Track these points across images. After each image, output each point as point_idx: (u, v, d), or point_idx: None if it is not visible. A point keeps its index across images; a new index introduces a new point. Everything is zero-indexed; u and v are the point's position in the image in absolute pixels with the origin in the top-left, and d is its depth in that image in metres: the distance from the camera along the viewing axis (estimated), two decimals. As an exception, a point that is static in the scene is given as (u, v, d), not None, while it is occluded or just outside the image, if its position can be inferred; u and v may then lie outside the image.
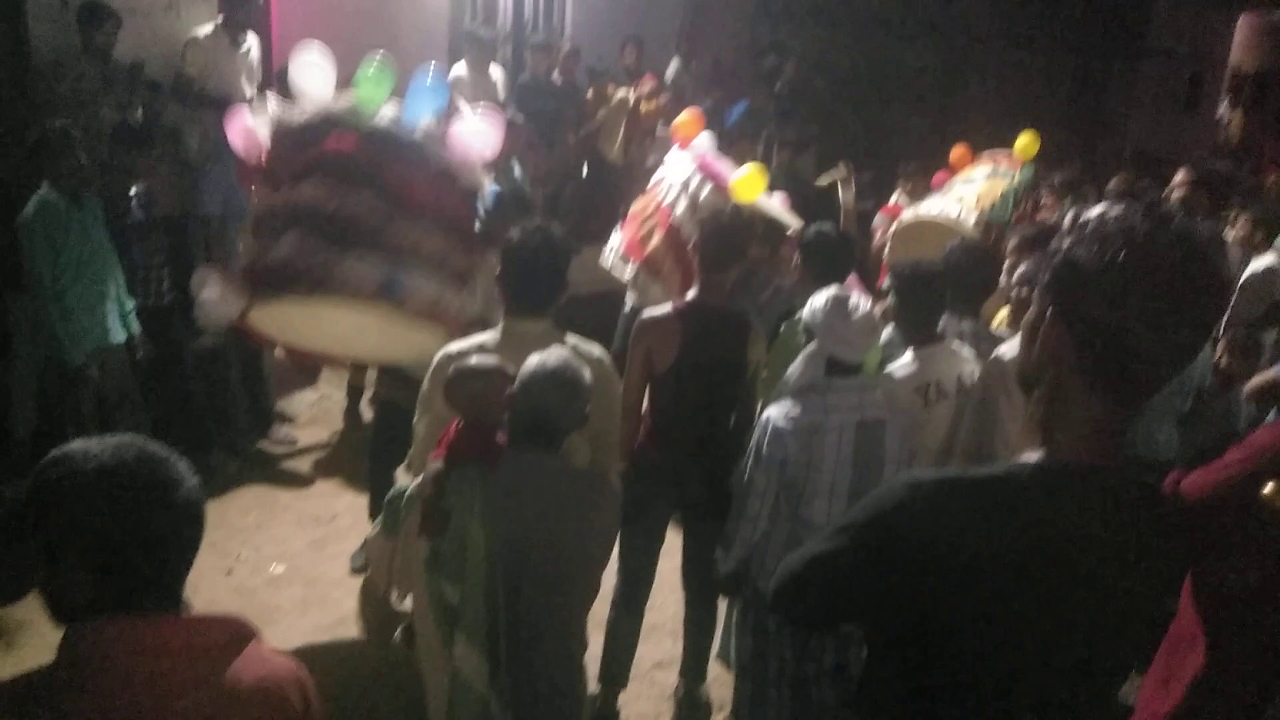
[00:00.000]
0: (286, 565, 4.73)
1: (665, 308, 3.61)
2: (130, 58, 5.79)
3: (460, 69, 7.54)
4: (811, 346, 3.17)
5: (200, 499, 1.56)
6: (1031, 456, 1.39)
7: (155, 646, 1.47)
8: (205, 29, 6.18)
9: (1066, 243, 1.33)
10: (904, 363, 3.48)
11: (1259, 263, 5.27)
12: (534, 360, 2.50)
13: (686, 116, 5.32)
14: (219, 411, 5.85)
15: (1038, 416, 1.40)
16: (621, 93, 7.21)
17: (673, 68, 9.42)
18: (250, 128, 3.71)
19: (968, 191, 5.86)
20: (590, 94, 8.04)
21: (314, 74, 3.81)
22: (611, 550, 2.68)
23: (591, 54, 8.61)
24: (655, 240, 4.91)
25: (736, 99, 8.62)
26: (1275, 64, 20.44)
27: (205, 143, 6.24)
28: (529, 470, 2.51)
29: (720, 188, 4.90)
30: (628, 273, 4.80)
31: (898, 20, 11.86)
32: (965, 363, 3.52)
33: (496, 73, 7.79)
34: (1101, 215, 1.31)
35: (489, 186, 4.22)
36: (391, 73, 3.85)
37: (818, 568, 1.50)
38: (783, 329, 3.91)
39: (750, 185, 4.98)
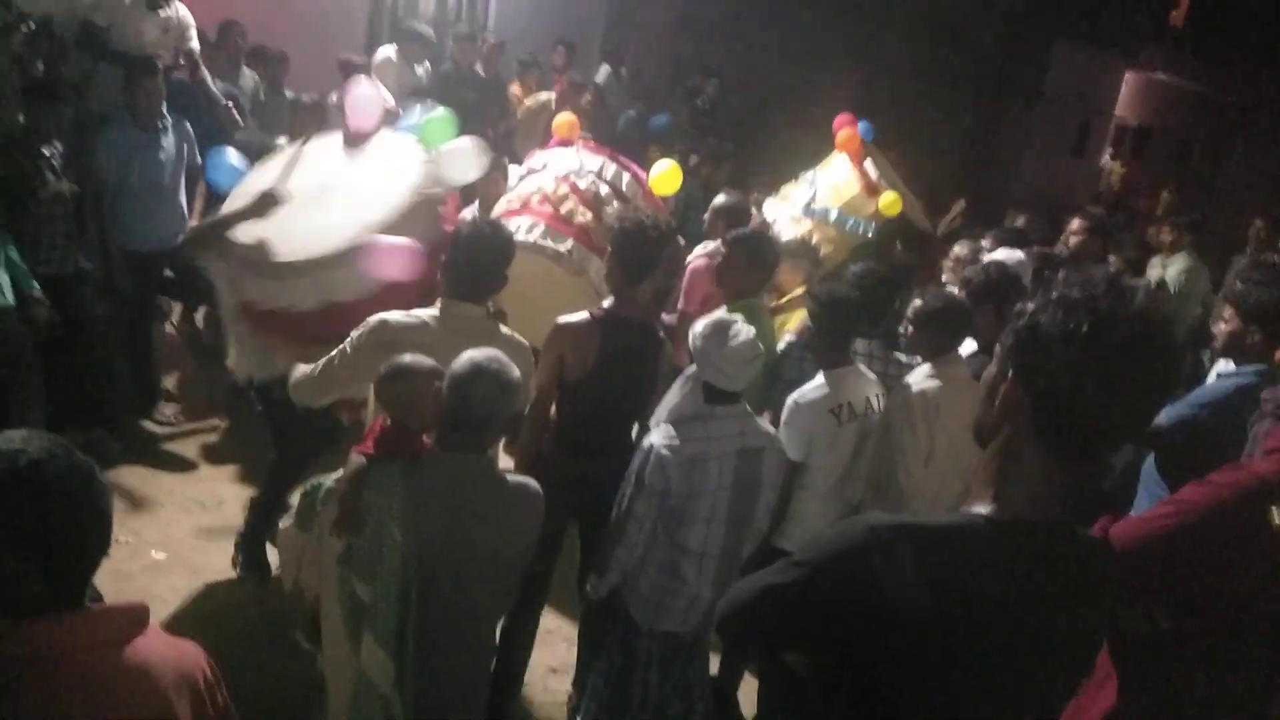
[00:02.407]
0: (168, 552, 4.53)
1: (582, 314, 3.55)
2: (34, 6, 5.46)
3: (389, 52, 7.38)
4: (690, 372, 3.19)
5: (108, 489, 1.53)
6: (983, 508, 1.45)
7: (80, 643, 1.43)
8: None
9: (1031, 308, 1.39)
10: (816, 384, 3.56)
11: None
12: (464, 358, 2.46)
13: (565, 118, 5.38)
14: (102, 387, 5.57)
15: (991, 470, 1.46)
16: (544, 96, 7.20)
17: (602, 74, 9.42)
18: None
19: (817, 230, 5.88)
20: (517, 85, 8.00)
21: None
22: (529, 558, 2.66)
23: (516, 50, 8.55)
24: (583, 219, 4.76)
25: (657, 111, 8.71)
26: (1155, 120, 21.75)
27: (104, 99, 5.93)
28: (455, 472, 2.47)
29: (638, 179, 5.03)
30: (563, 247, 4.59)
31: (815, 45, 12.15)
32: (871, 384, 3.64)
33: (421, 68, 7.65)
34: (1066, 284, 1.37)
35: None
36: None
37: (770, 598, 1.53)
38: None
39: (669, 179, 5.17)
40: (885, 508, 3.34)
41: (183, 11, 6.21)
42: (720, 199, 5.29)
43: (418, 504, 2.39)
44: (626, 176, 5.00)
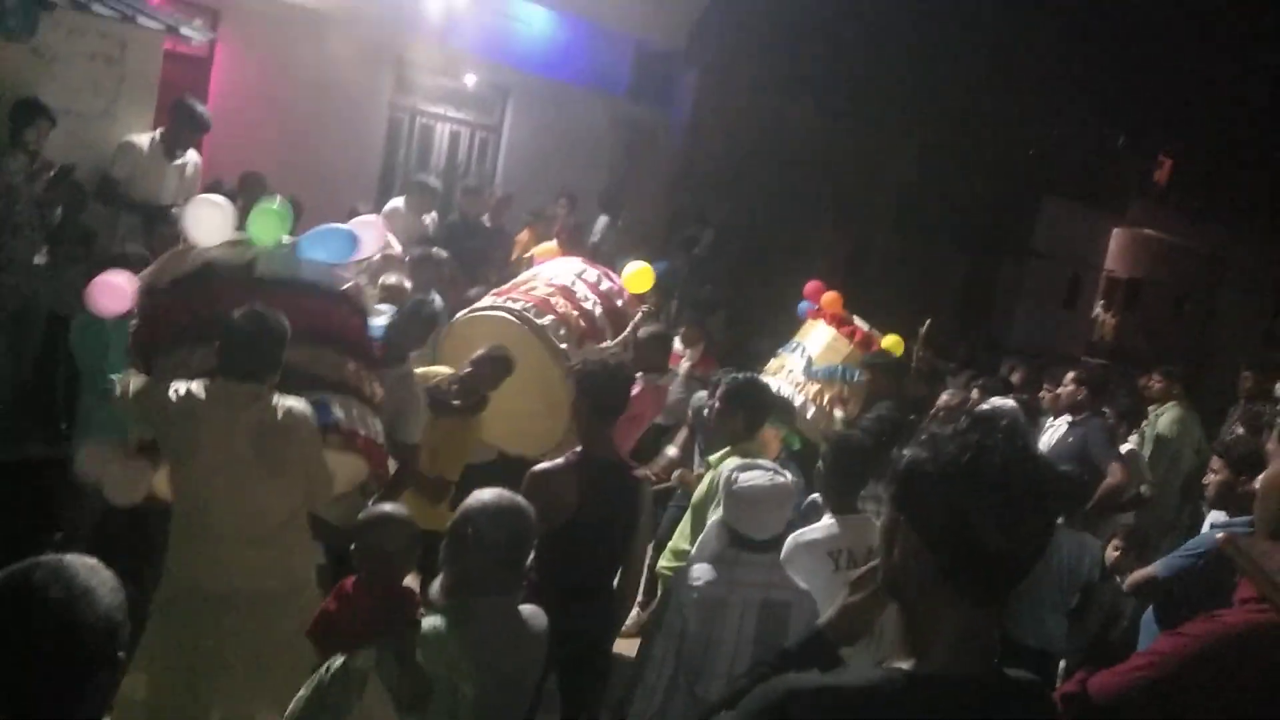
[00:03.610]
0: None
1: (557, 461, 3.50)
2: (61, 158, 5.73)
3: (398, 203, 7.67)
4: (718, 516, 3.19)
5: (111, 628, 1.49)
6: (904, 664, 1.41)
7: None
8: (142, 137, 6.17)
9: (906, 454, 1.41)
10: (823, 525, 3.54)
11: (1122, 449, 5.74)
12: (485, 497, 2.47)
13: (546, 247, 5.88)
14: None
15: (905, 625, 1.43)
16: (548, 245, 7.48)
17: (600, 225, 9.75)
18: (119, 285, 3.68)
19: (826, 389, 6.08)
20: (527, 232, 8.32)
21: (209, 221, 3.70)
22: None
23: (522, 201, 8.90)
24: (557, 302, 5.00)
25: (655, 259, 8.97)
26: (1145, 273, 22.32)
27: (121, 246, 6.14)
28: (500, 616, 2.45)
29: (610, 278, 5.41)
30: (542, 320, 4.83)
31: (808, 202, 12.60)
32: (877, 535, 3.61)
33: (428, 217, 7.94)
34: (933, 428, 1.41)
35: (378, 311, 4.29)
36: (287, 213, 3.81)
37: None
38: None
39: (641, 279, 5.49)
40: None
41: (195, 158, 6.50)
42: (642, 331, 5.30)
43: (481, 656, 2.35)
44: (598, 273, 5.37)
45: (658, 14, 10.76)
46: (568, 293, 5.07)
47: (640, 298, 5.63)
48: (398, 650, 2.31)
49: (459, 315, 5.04)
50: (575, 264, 5.44)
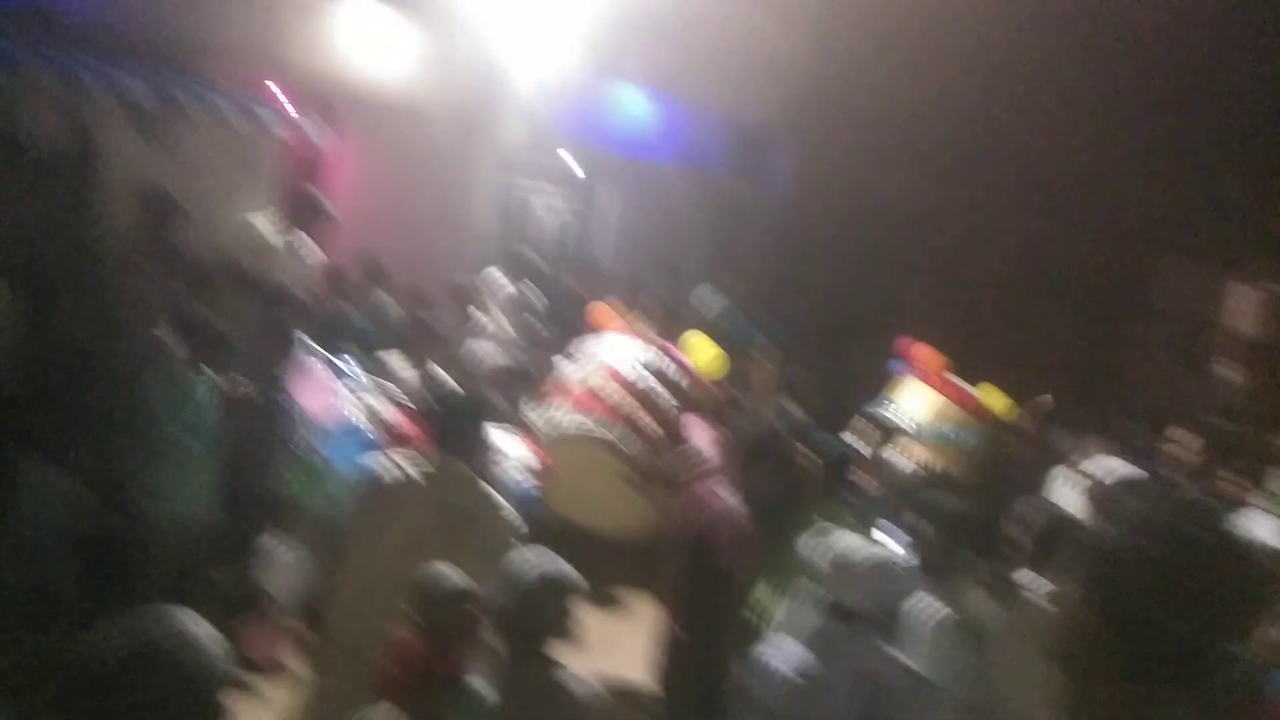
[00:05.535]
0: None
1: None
2: (190, 248, 6.10)
3: (497, 274, 7.97)
4: (816, 591, 3.11)
5: (217, 677, 1.57)
6: None
7: None
8: (259, 219, 6.53)
9: (1103, 527, 1.40)
10: (945, 596, 3.41)
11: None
12: (511, 566, 2.54)
13: (602, 309, 5.87)
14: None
15: (1070, 694, 1.39)
16: (607, 310, 7.73)
17: (718, 303, 9.86)
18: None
19: (939, 454, 5.96)
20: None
21: None
22: None
23: (616, 276, 9.10)
24: (620, 400, 5.09)
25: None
26: (1270, 330, 21.13)
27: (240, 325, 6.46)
28: (537, 684, 2.48)
29: (682, 365, 5.43)
30: (612, 434, 4.97)
31: (912, 267, 12.42)
32: (981, 597, 3.49)
33: (529, 291, 8.19)
34: (1143, 507, 1.36)
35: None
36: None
37: None
38: None
39: (701, 351, 5.59)
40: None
41: (309, 241, 6.83)
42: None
43: None
44: (671, 364, 5.37)
45: (752, 94, 10.95)
46: (646, 399, 5.17)
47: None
48: (412, 714, 2.35)
49: (544, 432, 5.20)
50: (639, 351, 5.42)
